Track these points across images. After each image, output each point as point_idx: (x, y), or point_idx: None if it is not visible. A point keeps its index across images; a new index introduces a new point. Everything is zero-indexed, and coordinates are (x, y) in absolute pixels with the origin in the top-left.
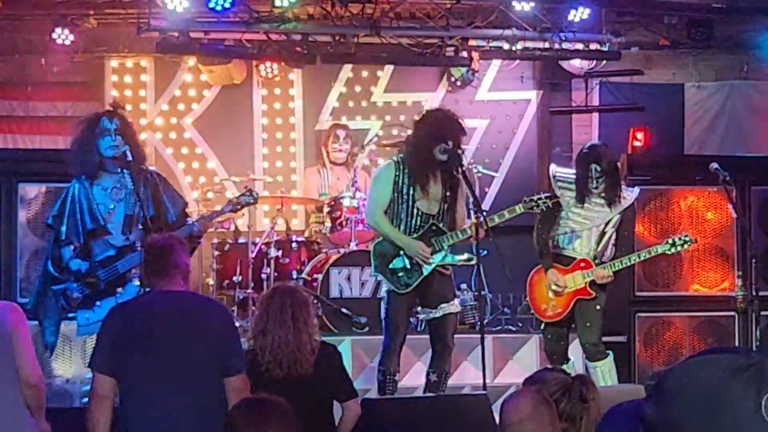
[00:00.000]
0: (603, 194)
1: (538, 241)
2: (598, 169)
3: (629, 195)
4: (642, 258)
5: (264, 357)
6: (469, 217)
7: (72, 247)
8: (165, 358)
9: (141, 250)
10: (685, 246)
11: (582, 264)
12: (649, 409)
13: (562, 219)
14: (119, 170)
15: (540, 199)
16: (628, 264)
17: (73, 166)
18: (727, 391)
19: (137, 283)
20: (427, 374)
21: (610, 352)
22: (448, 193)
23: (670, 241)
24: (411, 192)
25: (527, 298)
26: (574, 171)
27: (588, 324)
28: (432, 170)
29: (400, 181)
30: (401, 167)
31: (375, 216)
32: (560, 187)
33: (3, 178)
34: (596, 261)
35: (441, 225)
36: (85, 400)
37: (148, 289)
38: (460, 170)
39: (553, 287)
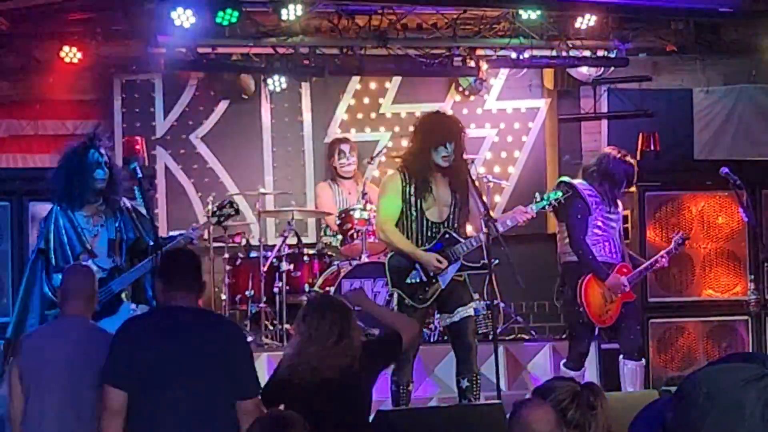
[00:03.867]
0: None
1: (581, 248)
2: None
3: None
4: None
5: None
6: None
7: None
8: (178, 377)
9: (137, 268)
10: (557, 196)
11: (624, 269)
12: (669, 416)
13: (591, 227)
14: (100, 199)
15: (550, 196)
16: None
17: (55, 192)
18: (741, 401)
19: (133, 305)
20: (458, 382)
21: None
22: (456, 197)
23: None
24: (419, 202)
25: (583, 307)
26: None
27: (637, 326)
28: (434, 175)
29: (407, 191)
30: (406, 177)
31: (386, 230)
32: (588, 196)
33: (14, 197)
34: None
35: (454, 233)
36: None
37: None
38: (467, 171)
39: (613, 295)
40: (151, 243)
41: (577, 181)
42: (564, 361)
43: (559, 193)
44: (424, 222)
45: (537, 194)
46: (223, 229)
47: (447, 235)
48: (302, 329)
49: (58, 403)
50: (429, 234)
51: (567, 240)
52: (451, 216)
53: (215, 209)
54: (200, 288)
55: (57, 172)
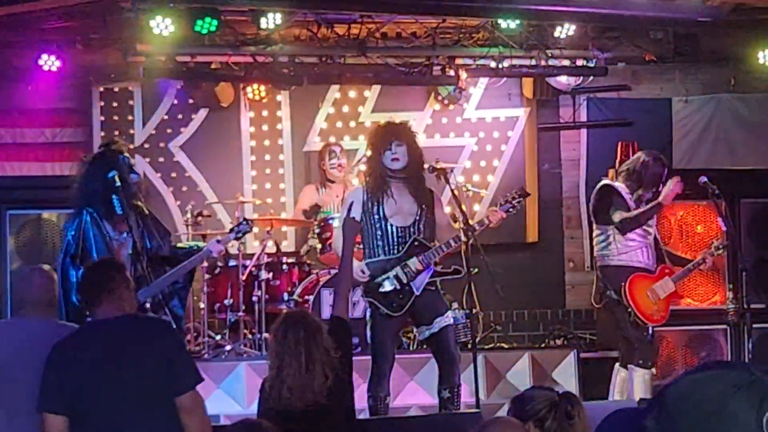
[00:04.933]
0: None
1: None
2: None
3: None
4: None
5: (282, 390)
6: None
7: None
8: (113, 387)
9: (164, 278)
10: (521, 200)
11: (666, 270)
12: (649, 423)
13: (625, 238)
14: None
15: (514, 199)
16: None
17: (85, 199)
18: (728, 408)
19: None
20: (439, 392)
21: None
22: (422, 206)
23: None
24: (381, 209)
25: (632, 309)
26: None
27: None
28: (391, 182)
29: (369, 202)
30: (366, 188)
31: (338, 238)
32: (629, 200)
33: None
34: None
35: (422, 239)
36: None
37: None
38: (423, 171)
39: (661, 294)
40: (168, 252)
41: (617, 184)
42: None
43: (521, 199)
44: (389, 228)
45: (501, 198)
46: (202, 237)
47: (416, 242)
48: (272, 348)
49: None
50: (395, 240)
51: (605, 243)
52: (417, 222)
53: (233, 226)
54: (115, 294)
55: (88, 178)
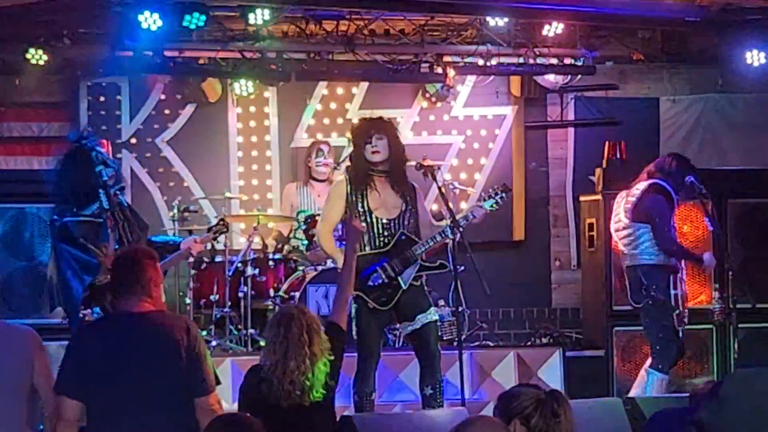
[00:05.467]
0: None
1: (674, 244)
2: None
3: None
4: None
5: (284, 386)
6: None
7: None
8: (134, 382)
9: None
10: (503, 196)
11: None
12: (703, 415)
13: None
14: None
15: (497, 195)
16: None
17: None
18: None
19: None
20: (421, 389)
21: None
22: (406, 200)
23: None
24: (365, 202)
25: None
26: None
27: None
28: (375, 177)
29: (353, 196)
30: (349, 182)
31: (318, 232)
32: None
33: None
34: None
35: (409, 233)
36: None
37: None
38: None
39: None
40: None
41: (666, 184)
42: (660, 366)
43: (503, 195)
44: (374, 221)
45: (483, 193)
46: (189, 233)
47: (403, 236)
48: (273, 340)
49: None
50: (381, 232)
51: (643, 241)
52: (403, 215)
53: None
54: (144, 289)
55: (73, 172)
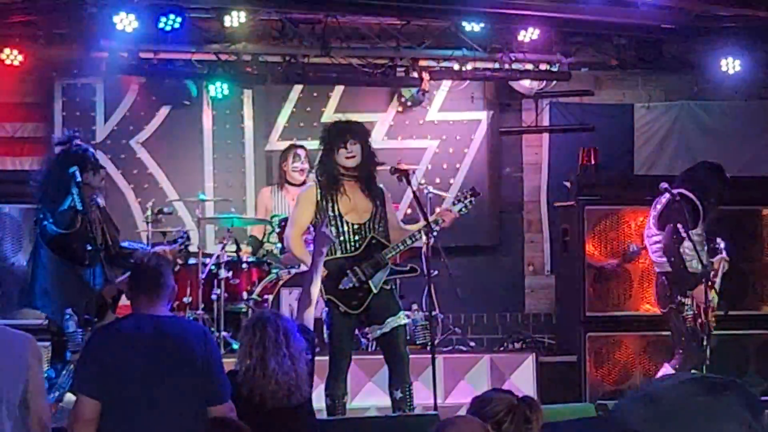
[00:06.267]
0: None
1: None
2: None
3: None
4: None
5: (268, 387)
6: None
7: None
8: (151, 385)
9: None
10: (472, 200)
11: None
12: (637, 427)
13: (685, 247)
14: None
15: (465, 198)
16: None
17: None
18: (718, 409)
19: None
20: (391, 393)
21: None
22: (377, 203)
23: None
24: (335, 207)
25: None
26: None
27: None
28: (345, 181)
29: (323, 201)
30: (318, 186)
31: (287, 236)
32: (692, 210)
33: None
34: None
35: (379, 237)
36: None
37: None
38: (374, 168)
39: (707, 303)
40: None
41: (691, 195)
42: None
43: (472, 199)
44: (344, 226)
45: (452, 198)
46: (162, 235)
47: (374, 240)
48: (249, 342)
49: None
50: (352, 238)
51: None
52: (373, 219)
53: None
54: (164, 294)
55: (50, 172)
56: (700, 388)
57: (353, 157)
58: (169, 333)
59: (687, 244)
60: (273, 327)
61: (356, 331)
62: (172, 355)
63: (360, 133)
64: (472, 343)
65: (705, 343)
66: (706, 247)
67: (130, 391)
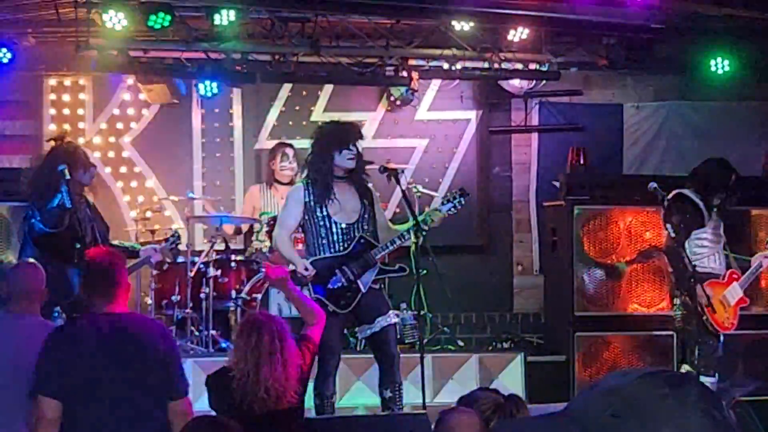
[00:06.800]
0: (720, 207)
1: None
2: (732, 179)
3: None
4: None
5: (258, 394)
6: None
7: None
8: (110, 383)
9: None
10: (461, 201)
11: (734, 276)
12: (592, 414)
13: (700, 239)
14: None
15: (454, 198)
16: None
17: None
18: (676, 403)
19: None
20: (380, 392)
21: None
22: (365, 203)
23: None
24: (324, 208)
25: (707, 316)
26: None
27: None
28: (336, 181)
29: (311, 201)
30: (308, 186)
31: (275, 236)
32: (693, 209)
33: None
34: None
35: (367, 236)
36: None
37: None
38: (368, 179)
39: (704, 302)
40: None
41: (689, 192)
42: (703, 369)
43: (462, 199)
44: (333, 226)
45: (441, 197)
46: (151, 233)
47: (362, 240)
48: (243, 346)
49: None
50: (340, 238)
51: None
52: (361, 219)
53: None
54: (119, 292)
55: (40, 170)
56: (660, 382)
57: (353, 159)
58: (127, 330)
59: (697, 242)
60: (268, 332)
61: (345, 331)
62: (131, 352)
63: (360, 135)
64: (461, 343)
65: (712, 342)
66: (722, 244)
67: (90, 390)
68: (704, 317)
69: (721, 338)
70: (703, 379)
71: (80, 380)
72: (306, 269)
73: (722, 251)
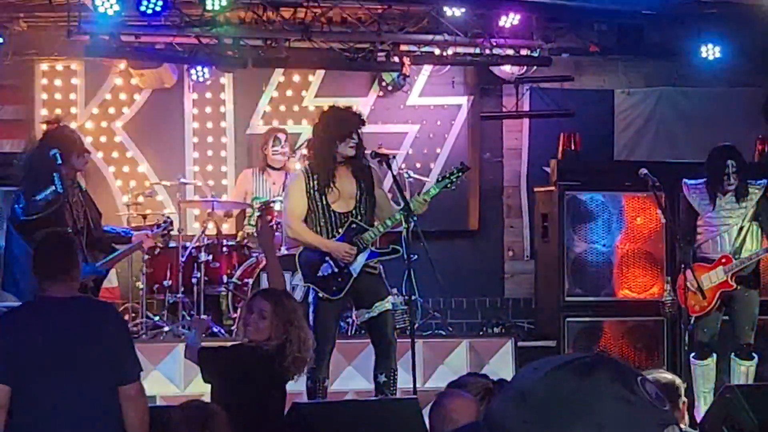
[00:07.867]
0: (734, 191)
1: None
2: (734, 164)
3: (758, 187)
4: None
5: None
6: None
7: None
8: (59, 367)
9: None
10: (459, 174)
11: (723, 260)
12: (513, 425)
13: (700, 226)
14: None
15: (452, 174)
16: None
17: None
18: (587, 394)
19: None
20: (375, 377)
21: (756, 355)
22: (362, 187)
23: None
24: (323, 196)
25: (676, 299)
26: (703, 179)
27: (739, 321)
28: (337, 168)
29: (311, 188)
30: (309, 174)
31: (293, 227)
32: (694, 194)
33: None
34: (736, 256)
35: (360, 221)
36: None
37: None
38: (368, 160)
39: (689, 286)
40: (99, 233)
41: (690, 182)
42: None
43: (460, 175)
44: (331, 214)
45: (438, 176)
46: (143, 218)
47: (353, 225)
48: (279, 317)
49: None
50: (337, 224)
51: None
52: (358, 206)
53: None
54: (69, 276)
55: (33, 155)
56: (567, 374)
57: (355, 147)
58: (78, 314)
59: (701, 224)
60: (292, 305)
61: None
62: (79, 336)
63: (362, 121)
64: (451, 328)
65: (702, 325)
66: (728, 228)
67: (38, 375)
68: (672, 299)
69: (691, 321)
70: (693, 361)
71: (26, 365)
72: (346, 251)
73: (723, 236)
